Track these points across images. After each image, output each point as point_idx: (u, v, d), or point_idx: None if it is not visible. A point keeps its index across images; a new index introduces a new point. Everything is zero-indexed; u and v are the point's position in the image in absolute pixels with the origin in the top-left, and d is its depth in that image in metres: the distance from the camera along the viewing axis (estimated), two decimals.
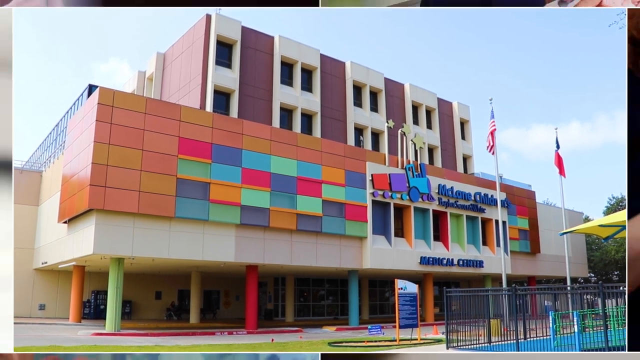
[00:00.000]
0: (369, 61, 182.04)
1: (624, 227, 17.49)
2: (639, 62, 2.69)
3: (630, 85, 2.66)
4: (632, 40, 2.68)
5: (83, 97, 43.04)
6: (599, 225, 20.39)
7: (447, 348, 18.28)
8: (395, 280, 25.91)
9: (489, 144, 34.00)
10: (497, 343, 18.58)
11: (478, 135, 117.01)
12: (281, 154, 34.07)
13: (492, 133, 33.91)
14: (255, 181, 32.42)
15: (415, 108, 53.73)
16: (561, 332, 19.07)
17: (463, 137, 58.95)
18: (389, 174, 39.74)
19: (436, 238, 43.13)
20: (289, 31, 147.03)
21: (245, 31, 42.06)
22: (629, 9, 2.88)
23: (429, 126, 54.70)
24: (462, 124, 59.31)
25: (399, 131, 42.88)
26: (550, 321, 19.52)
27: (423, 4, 5.94)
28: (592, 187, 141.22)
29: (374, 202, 38.63)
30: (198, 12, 41.34)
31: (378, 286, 51.58)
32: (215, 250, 30.94)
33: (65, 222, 32.18)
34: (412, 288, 25.70)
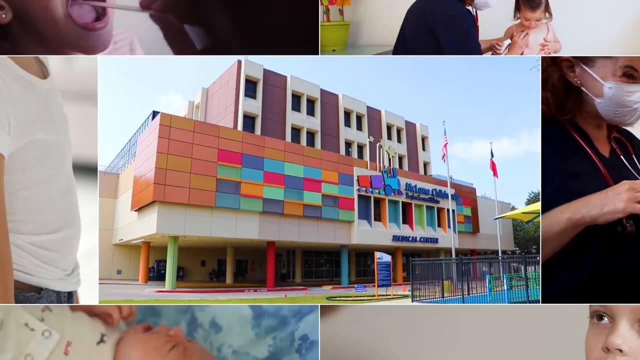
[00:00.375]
0: (355, 94, 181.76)
1: (539, 214, 17.58)
2: (550, 105, 2.75)
3: (543, 117, 2.73)
4: (546, 87, 2.73)
5: (148, 120, 42.74)
6: (522, 212, 20.51)
7: (412, 301, 18.26)
8: (375, 252, 25.91)
9: (443, 153, 34.01)
10: (448, 297, 18.62)
11: (434, 148, 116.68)
12: (292, 161, 34.10)
13: (445, 146, 33.95)
14: (273, 180, 32.44)
15: (389, 128, 53.50)
16: (494, 290, 19.10)
17: (424, 149, 58.67)
18: (370, 176, 39.73)
19: (404, 222, 43.12)
20: (297, 71, 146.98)
21: (266, 72, 41.98)
22: (542, 57, 2.92)
23: (399, 141, 54.47)
24: (423, 139, 59.02)
25: (377, 145, 42.91)
26: (487, 282, 19.57)
27: (394, 53, 6.01)
28: (517, 185, 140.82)
29: (359, 195, 38.65)
30: (232, 59, 41.28)
31: (362, 256, 51.38)
32: (244, 231, 30.95)
33: (135, 211, 32.20)
34: (387, 258, 25.65)
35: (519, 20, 6.23)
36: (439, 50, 5.32)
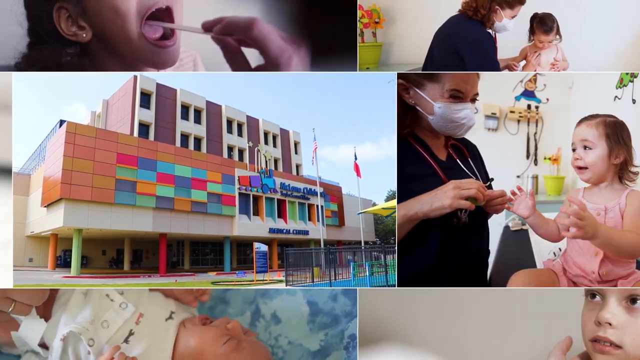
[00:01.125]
0: (238, 105, 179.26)
1: (395, 210, 18.00)
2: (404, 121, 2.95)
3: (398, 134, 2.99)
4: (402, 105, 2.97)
5: (56, 128, 41.01)
6: (382, 208, 21.18)
7: (286, 285, 18.52)
8: (253, 242, 26.46)
9: (313, 157, 34.92)
10: (317, 282, 18.64)
11: (306, 151, 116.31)
12: (181, 163, 34.36)
13: (314, 150, 34.93)
14: (164, 180, 32.55)
15: (266, 134, 53.71)
16: (358, 276, 19.10)
17: (296, 153, 59.11)
18: (249, 176, 40.34)
19: (279, 216, 43.85)
20: (185, 86, 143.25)
21: (159, 86, 41.55)
22: (398, 73, 3.08)
23: (274, 145, 54.73)
24: (296, 144, 59.55)
25: (256, 149, 43.54)
26: (351, 269, 19.68)
27: (423, 70, 6.03)
28: (378, 184, 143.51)
29: (239, 193, 39.21)
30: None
31: (242, 246, 51.23)
32: (140, 224, 30.93)
33: (45, 206, 31.22)
34: (264, 247, 26.11)
35: (532, 42, 6.48)
36: (463, 68, 5.51)
